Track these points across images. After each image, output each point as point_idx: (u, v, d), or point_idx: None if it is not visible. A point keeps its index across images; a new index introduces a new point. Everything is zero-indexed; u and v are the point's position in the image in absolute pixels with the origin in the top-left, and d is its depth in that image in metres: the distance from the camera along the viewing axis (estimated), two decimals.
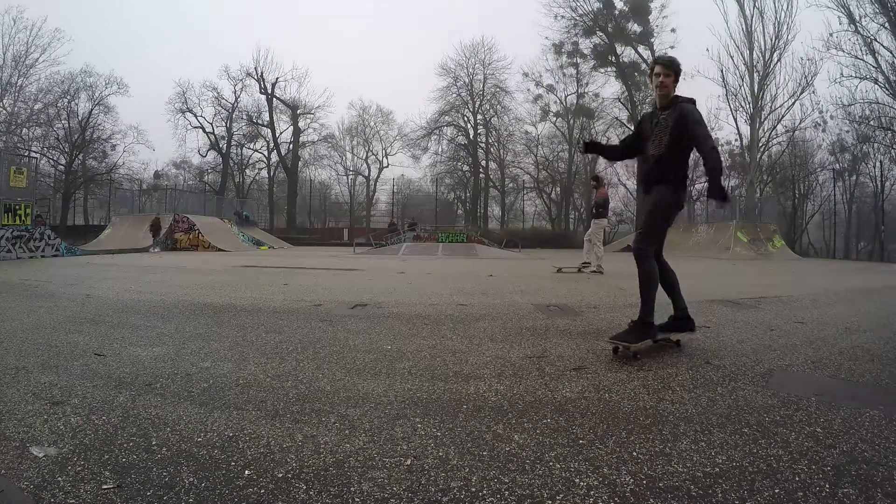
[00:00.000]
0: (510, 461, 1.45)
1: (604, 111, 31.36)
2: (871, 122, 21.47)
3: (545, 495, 1.26)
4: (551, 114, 32.77)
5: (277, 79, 33.34)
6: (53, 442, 1.56)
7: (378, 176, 36.16)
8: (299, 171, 34.84)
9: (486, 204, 33.81)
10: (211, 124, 33.48)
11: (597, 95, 31.53)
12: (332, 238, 29.11)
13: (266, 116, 33.92)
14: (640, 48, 29.36)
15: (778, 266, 12.32)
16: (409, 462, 1.45)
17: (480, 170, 33.60)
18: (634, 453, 1.50)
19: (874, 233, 20.17)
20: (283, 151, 34.01)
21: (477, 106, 33.22)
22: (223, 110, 33.60)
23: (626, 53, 29.92)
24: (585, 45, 31.03)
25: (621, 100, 30.47)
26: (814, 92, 23.11)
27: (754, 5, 23.56)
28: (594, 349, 2.85)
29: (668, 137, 2.66)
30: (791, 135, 24.56)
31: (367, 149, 36.12)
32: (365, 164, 36.19)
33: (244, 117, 34.06)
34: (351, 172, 36.08)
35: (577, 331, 3.40)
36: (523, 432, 1.66)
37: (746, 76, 24.00)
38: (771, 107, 23.97)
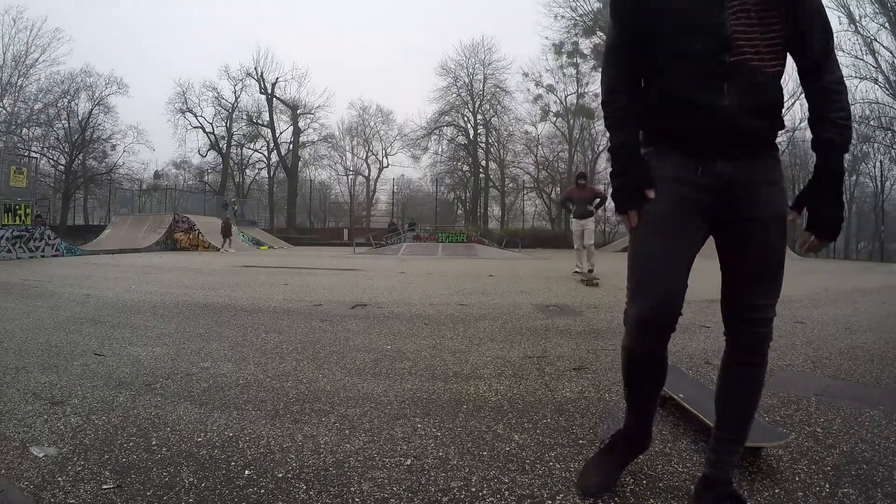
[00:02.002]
0: (510, 461, 1.45)
1: None
2: (871, 122, 21.48)
3: (545, 495, 1.26)
4: (551, 114, 32.83)
5: (277, 79, 33.43)
6: (53, 442, 1.56)
7: (378, 176, 36.23)
8: (299, 171, 34.88)
9: (486, 204, 33.83)
10: (211, 124, 33.56)
11: (597, 95, 31.40)
12: (332, 238, 29.12)
13: (266, 116, 33.98)
14: None
15: None
16: (409, 462, 1.45)
17: (480, 170, 33.62)
18: None
19: (874, 233, 20.16)
20: (283, 151, 34.05)
21: (477, 106, 33.27)
22: (223, 110, 33.68)
23: None
24: (585, 45, 31.08)
25: None
26: None
27: None
28: (594, 349, 2.85)
29: (779, 22, 1.11)
30: (791, 135, 24.57)
31: (367, 149, 36.19)
32: (365, 164, 36.28)
33: (244, 117, 34.11)
34: (351, 172, 36.16)
35: (577, 331, 3.40)
36: (523, 432, 1.66)
37: None
38: None
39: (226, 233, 18.41)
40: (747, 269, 1.16)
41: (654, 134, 1.23)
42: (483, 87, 33.06)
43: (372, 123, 36.17)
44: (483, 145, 33.73)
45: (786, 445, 1.51)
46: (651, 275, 1.17)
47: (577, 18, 30.33)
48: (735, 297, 1.19)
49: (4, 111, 26.13)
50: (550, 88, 32.44)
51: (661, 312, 1.15)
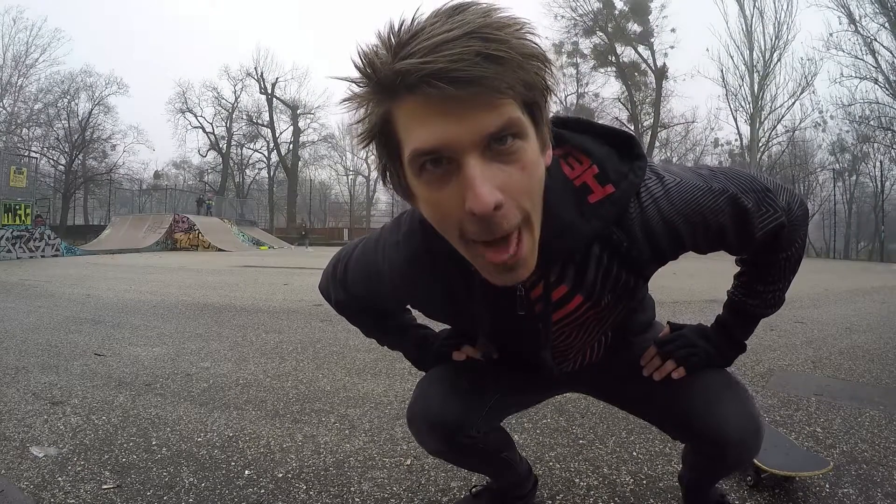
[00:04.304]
0: None
1: (604, 111, 31.44)
2: (871, 122, 21.47)
3: (545, 495, 1.26)
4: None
5: (277, 79, 33.43)
6: (53, 442, 1.56)
7: (378, 176, 36.26)
8: (299, 171, 34.88)
9: None
10: (211, 124, 33.59)
11: (597, 95, 31.63)
12: (332, 238, 29.11)
13: (266, 116, 33.98)
14: (640, 48, 29.43)
15: None
16: (409, 462, 1.44)
17: None
18: (634, 453, 1.50)
19: (874, 233, 20.15)
20: (283, 151, 34.05)
21: None
22: (223, 110, 33.70)
23: (626, 53, 30.02)
24: (585, 45, 31.10)
25: (621, 100, 30.58)
26: (814, 92, 23.18)
27: (754, 5, 23.61)
28: None
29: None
30: (791, 135, 24.60)
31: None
32: (365, 164, 36.21)
33: (244, 117, 34.11)
34: (351, 172, 36.17)
35: None
36: (523, 432, 1.66)
37: (746, 76, 24.06)
38: (771, 107, 24.04)
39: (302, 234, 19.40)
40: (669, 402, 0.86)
41: None
42: None
43: None
44: None
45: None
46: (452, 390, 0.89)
47: (577, 18, 30.34)
48: (745, 405, 0.83)
49: (4, 111, 26.12)
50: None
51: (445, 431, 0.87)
